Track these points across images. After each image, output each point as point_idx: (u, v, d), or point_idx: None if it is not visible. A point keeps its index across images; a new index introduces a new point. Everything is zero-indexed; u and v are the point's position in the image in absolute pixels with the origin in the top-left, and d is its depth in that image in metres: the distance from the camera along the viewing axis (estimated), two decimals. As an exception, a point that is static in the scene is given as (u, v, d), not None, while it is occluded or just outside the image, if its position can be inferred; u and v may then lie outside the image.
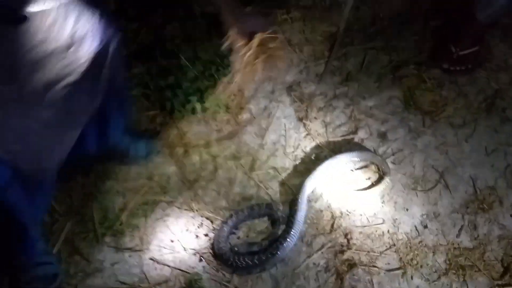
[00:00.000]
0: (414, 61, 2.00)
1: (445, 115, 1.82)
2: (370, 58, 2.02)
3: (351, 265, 1.47)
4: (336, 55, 2.00)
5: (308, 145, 1.76)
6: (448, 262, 1.47)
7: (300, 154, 1.74)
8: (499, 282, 1.43)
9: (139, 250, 1.51)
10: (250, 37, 1.31)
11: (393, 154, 1.72)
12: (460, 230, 1.54)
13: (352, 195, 1.62)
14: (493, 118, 1.81)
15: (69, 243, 1.52)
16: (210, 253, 1.50)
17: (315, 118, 1.83)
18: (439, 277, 1.45)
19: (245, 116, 1.83)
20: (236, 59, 1.38)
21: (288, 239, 1.47)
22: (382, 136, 1.76)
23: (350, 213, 1.58)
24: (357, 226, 1.55)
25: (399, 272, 1.46)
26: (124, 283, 1.45)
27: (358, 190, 1.63)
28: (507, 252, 1.49)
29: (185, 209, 1.60)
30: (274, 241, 1.49)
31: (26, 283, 1.39)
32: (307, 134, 1.79)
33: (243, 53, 1.36)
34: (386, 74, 1.96)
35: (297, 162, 1.71)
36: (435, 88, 1.90)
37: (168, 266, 1.48)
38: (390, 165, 1.68)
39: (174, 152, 1.73)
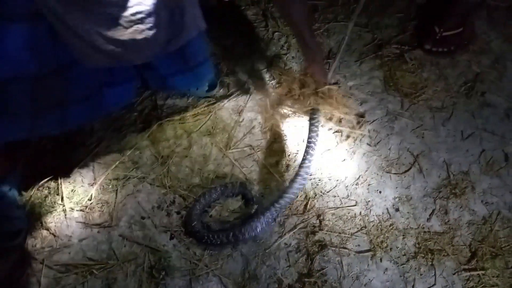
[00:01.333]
0: (397, 40, 1.96)
1: (424, 97, 1.79)
2: (353, 35, 1.97)
3: (322, 246, 1.47)
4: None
5: (286, 123, 1.73)
6: (417, 245, 1.49)
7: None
8: (466, 267, 1.45)
9: (109, 227, 1.48)
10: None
11: (369, 136, 1.70)
12: (431, 214, 1.55)
13: (327, 177, 1.61)
14: (472, 103, 1.80)
15: (36, 217, 1.48)
16: (181, 230, 1.49)
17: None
18: (407, 260, 1.46)
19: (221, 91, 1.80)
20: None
21: (262, 222, 1.45)
22: (360, 117, 1.74)
23: (324, 194, 1.57)
24: (330, 208, 1.55)
25: (369, 254, 1.47)
26: (92, 260, 1.42)
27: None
28: (475, 237, 1.50)
29: (157, 186, 1.57)
30: (247, 221, 1.47)
31: None
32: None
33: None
34: (368, 53, 1.92)
35: (274, 141, 1.68)
36: (416, 70, 1.87)
37: (138, 243, 1.46)
38: (366, 147, 1.67)
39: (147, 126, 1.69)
